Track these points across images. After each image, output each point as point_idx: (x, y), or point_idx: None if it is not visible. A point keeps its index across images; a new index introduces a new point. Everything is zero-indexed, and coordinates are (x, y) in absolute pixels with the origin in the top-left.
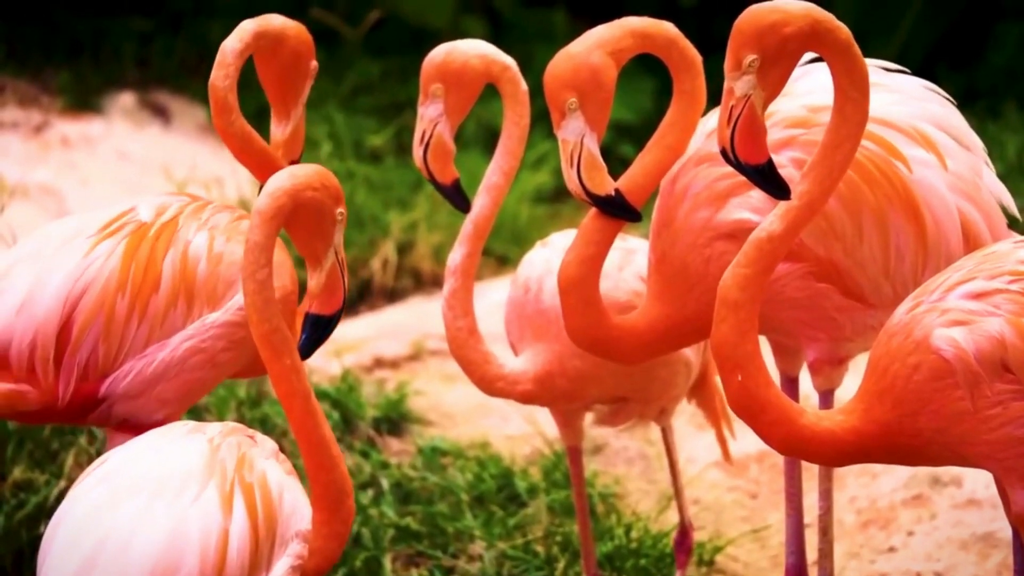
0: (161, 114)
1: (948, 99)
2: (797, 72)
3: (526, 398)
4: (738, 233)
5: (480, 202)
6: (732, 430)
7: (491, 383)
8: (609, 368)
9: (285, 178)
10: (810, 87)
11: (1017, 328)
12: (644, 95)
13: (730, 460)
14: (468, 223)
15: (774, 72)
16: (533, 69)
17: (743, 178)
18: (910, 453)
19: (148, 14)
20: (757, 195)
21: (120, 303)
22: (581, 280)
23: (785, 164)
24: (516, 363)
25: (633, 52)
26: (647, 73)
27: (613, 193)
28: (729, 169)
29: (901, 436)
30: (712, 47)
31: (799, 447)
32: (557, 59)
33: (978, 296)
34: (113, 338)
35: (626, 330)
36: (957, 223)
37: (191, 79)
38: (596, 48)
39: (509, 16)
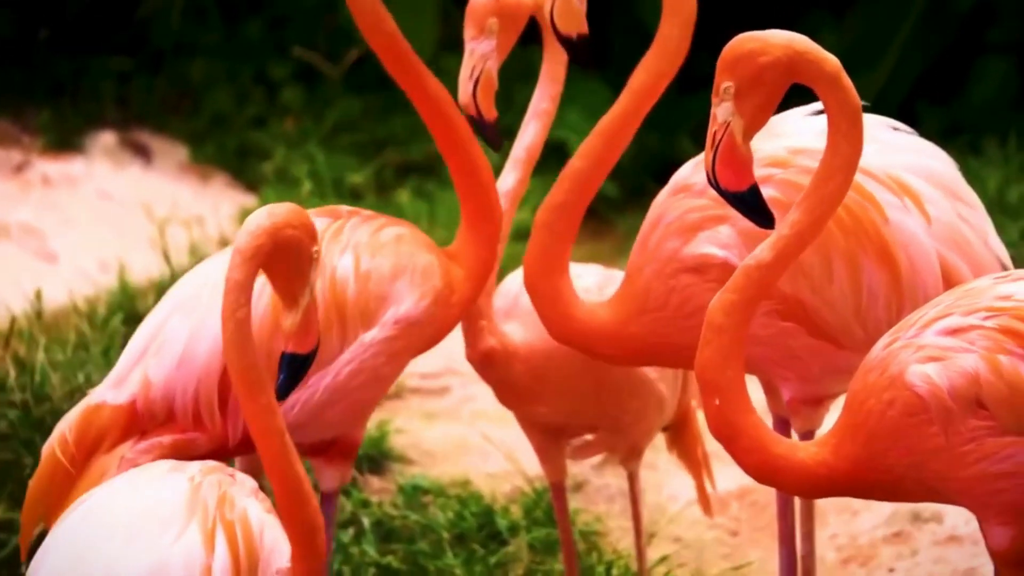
0: (142, 153)
1: (947, 158)
2: (792, 115)
3: (488, 354)
4: (704, 268)
5: (532, 128)
6: (712, 480)
7: (476, 319)
8: (576, 384)
9: (264, 217)
10: (798, 130)
11: (991, 364)
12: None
13: (710, 512)
14: (521, 149)
15: (752, 100)
16: (514, 108)
17: (715, 212)
18: (883, 489)
19: (129, 53)
20: (726, 231)
21: (276, 341)
22: (545, 224)
23: None
24: (512, 330)
25: None
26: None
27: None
28: (702, 202)
29: (873, 471)
30: (694, 84)
31: (772, 476)
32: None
33: (953, 332)
34: (275, 376)
35: (566, 305)
36: (935, 268)
37: (172, 118)
38: None
39: None
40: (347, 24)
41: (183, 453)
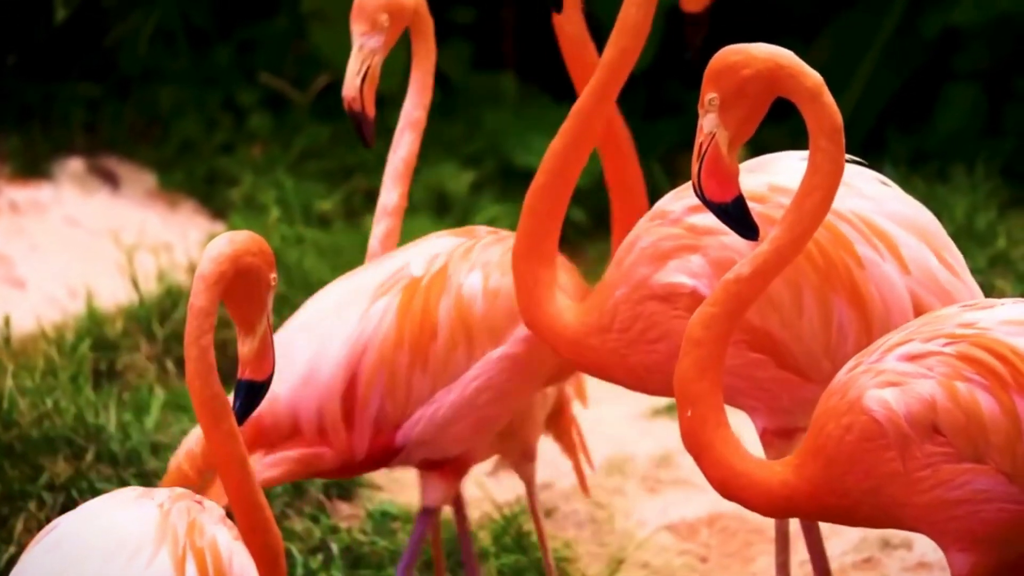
0: (110, 179)
1: (921, 206)
2: (788, 156)
3: None
4: (672, 296)
5: (406, 139)
6: (590, 461)
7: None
8: None
9: (225, 244)
10: (787, 169)
11: (948, 390)
12: (595, 160)
13: (586, 491)
14: (399, 161)
15: (735, 113)
16: (482, 132)
17: (687, 241)
18: (840, 512)
19: (97, 80)
20: (697, 260)
21: (400, 357)
22: (531, 208)
23: None
24: None
25: None
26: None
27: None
28: (676, 230)
29: (832, 495)
30: (662, 110)
31: (734, 492)
32: None
33: (913, 358)
34: (399, 392)
35: (541, 296)
36: (907, 306)
37: (140, 144)
38: None
39: (458, 80)
40: (315, 51)
41: (310, 467)
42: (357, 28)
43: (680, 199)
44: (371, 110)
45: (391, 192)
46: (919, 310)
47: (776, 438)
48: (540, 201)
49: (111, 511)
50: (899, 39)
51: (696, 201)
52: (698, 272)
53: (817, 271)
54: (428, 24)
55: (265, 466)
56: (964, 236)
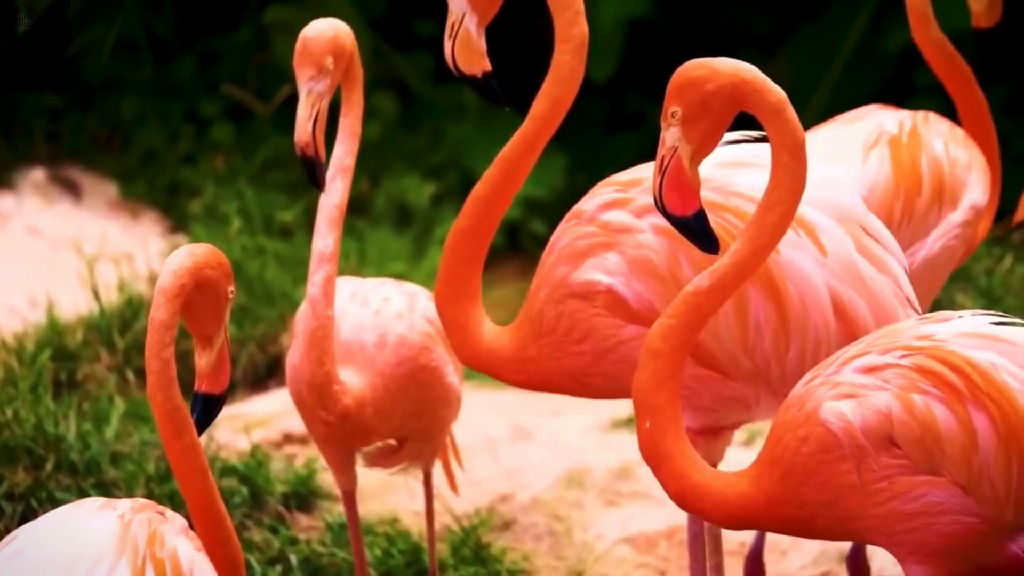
0: (72, 189)
1: (854, 188)
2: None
3: (345, 414)
4: (590, 294)
5: (338, 185)
6: (460, 462)
7: (328, 387)
8: (405, 405)
9: (186, 257)
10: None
11: (904, 403)
12: (555, 172)
13: (456, 489)
14: (332, 208)
15: (698, 127)
16: (445, 144)
17: (602, 239)
18: (798, 524)
19: (59, 90)
20: (613, 258)
21: (896, 205)
22: (452, 251)
23: None
24: (352, 381)
25: None
26: (559, 150)
27: (479, 75)
28: (591, 229)
29: (787, 507)
30: (622, 123)
31: (692, 503)
32: None
33: (869, 370)
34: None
35: (474, 331)
36: (825, 303)
37: (102, 154)
38: None
39: (420, 92)
40: (278, 62)
41: None
42: (304, 73)
43: (593, 198)
44: (323, 154)
45: (327, 238)
46: (837, 305)
47: (700, 437)
48: (462, 244)
49: (72, 521)
50: (861, 54)
51: (609, 197)
52: (614, 270)
53: None
54: (359, 70)
55: None
56: None
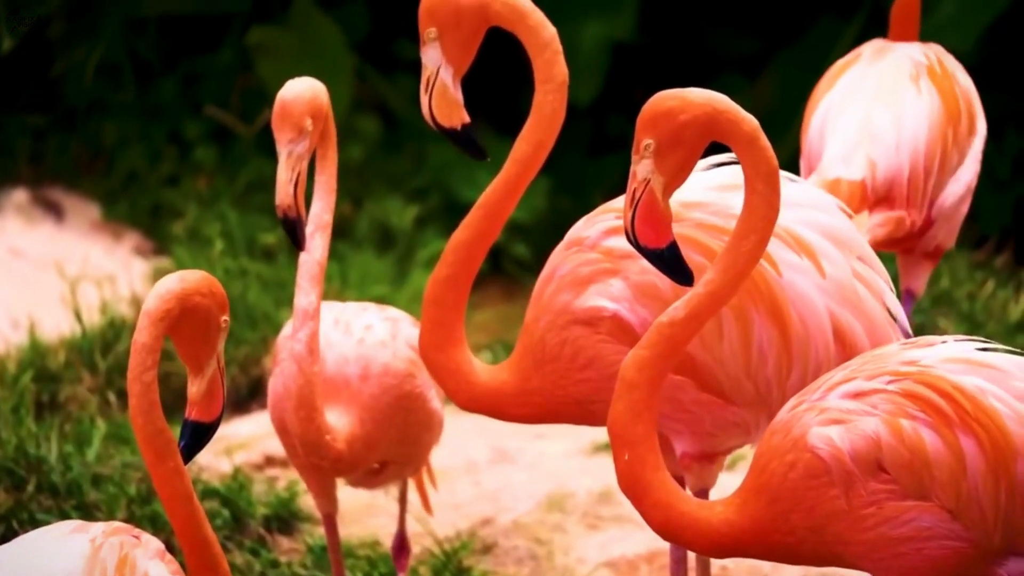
0: (54, 211)
1: (847, 212)
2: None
3: (338, 458)
4: (594, 320)
5: (318, 241)
6: (434, 481)
7: (320, 440)
8: (391, 433)
9: (175, 282)
10: (691, 184)
11: (893, 428)
12: (538, 195)
13: (430, 510)
14: (314, 264)
15: (672, 158)
16: (428, 167)
17: (606, 265)
18: (785, 551)
19: (42, 111)
20: (617, 284)
21: (948, 133)
22: (435, 300)
23: None
24: (340, 422)
25: (502, 21)
26: (542, 173)
27: (459, 127)
28: (593, 255)
29: (775, 533)
30: (605, 146)
31: (676, 533)
32: None
33: (856, 396)
34: (945, 166)
35: (467, 374)
36: (827, 328)
37: (85, 176)
38: None
39: (402, 114)
40: (260, 84)
41: (898, 230)
42: (284, 136)
43: (594, 225)
44: (304, 214)
45: (309, 295)
46: (837, 329)
47: (695, 462)
48: (445, 292)
49: (43, 544)
50: None
51: (611, 224)
52: (618, 296)
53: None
54: (333, 127)
55: (875, 224)
56: None
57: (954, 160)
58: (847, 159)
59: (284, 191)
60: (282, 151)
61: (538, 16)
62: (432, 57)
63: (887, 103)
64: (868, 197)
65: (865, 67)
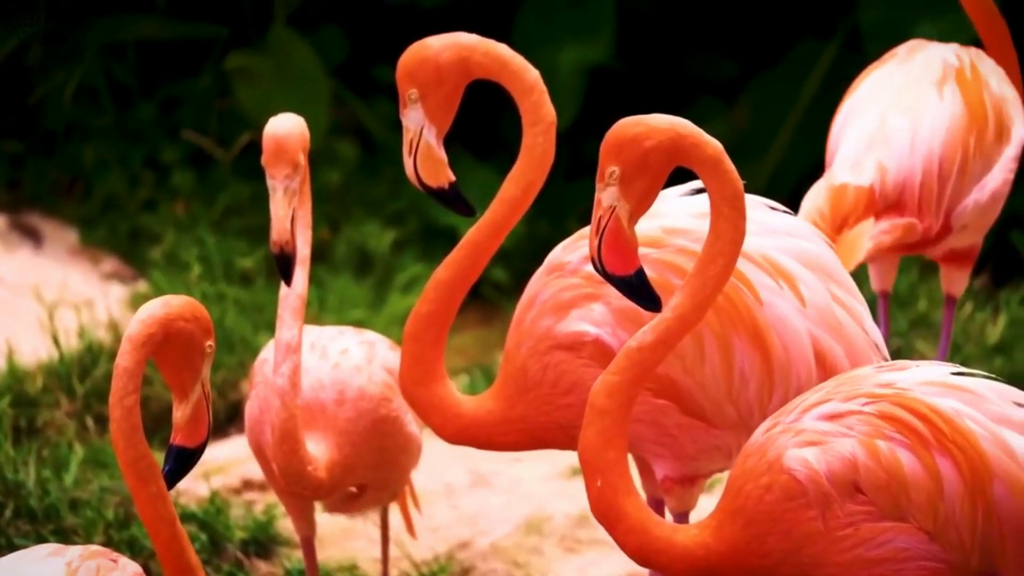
0: (33, 236)
1: (826, 241)
2: (668, 194)
3: (319, 486)
4: (576, 345)
5: (299, 276)
6: (419, 506)
7: (302, 471)
8: (368, 457)
9: (158, 307)
10: (673, 209)
11: (869, 449)
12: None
13: (413, 533)
14: (296, 298)
15: (637, 185)
16: (406, 191)
17: (587, 290)
18: (761, 573)
19: (20, 137)
20: (599, 309)
21: (970, 139)
22: (415, 336)
23: None
24: (318, 450)
25: (484, 72)
26: None
27: (447, 186)
28: (574, 280)
29: (751, 556)
30: (581, 170)
31: (652, 558)
32: (410, 49)
33: (832, 417)
34: (966, 172)
35: (450, 407)
36: (808, 352)
37: (63, 201)
38: (448, 48)
39: (381, 138)
40: (239, 109)
41: (906, 236)
42: (280, 171)
43: (575, 250)
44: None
45: (291, 329)
46: (818, 353)
47: (677, 485)
48: (425, 330)
49: (20, 568)
50: (822, 100)
51: None
52: (600, 320)
53: (718, 313)
54: (306, 166)
55: (880, 232)
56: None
57: (977, 168)
58: (857, 164)
59: (282, 226)
60: (278, 187)
61: (519, 61)
62: (414, 119)
63: (905, 107)
64: (876, 203)
65: (894, 68)
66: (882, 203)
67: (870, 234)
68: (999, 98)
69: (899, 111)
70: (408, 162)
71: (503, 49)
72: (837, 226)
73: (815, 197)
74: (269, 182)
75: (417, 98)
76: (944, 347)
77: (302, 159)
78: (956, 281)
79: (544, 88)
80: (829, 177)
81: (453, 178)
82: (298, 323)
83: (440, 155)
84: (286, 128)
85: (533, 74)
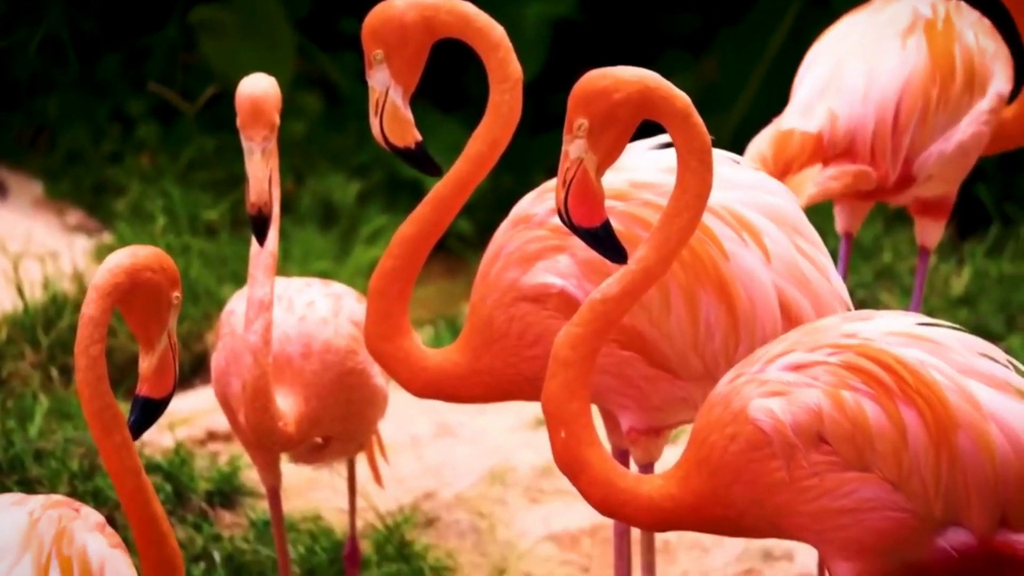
0: None
1: (789, 194)
2: (636, 147)
3: (288, 440)
4: (542, 297)
5: (272, 233)
6: (386, 457)
7: (273, 427)
8: (334, 409)
9: (125, 257)
10: (641, 163)
11: (834, 399)
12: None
13: (380, 482)
14: (268, 256)
15: (605, 137)
16: (370, 143)
17: (553, 242)
18: (726, 524)
19: None
20: (565, 260)
21: (932, 91)
22: (380, 292)
23: None
24: (286, 404)
25: (449, 30)
26: None
27: (413, 146)
28: (540, 232)
29: (716, 506)
30: (546, 123)
31: (616, 509)
32: (375, 9)
33: (797, 368)
34: (927, 122)
35: (416, 361)
36: (773, 304)
37: (28, 154)
38: (412, 8)
39: (346, 91)
40: (204, 62)
41: (858, 183)
42: (258, 133)
43: (541, 202)
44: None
45: (264, 286)
46: (783, 305)
47: (643, 436)
48: (390, 285)
49: None
50: (787, 53)
51: None
52: (566, 272)
53: (684, 267)
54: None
55: (828, 177)
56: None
57: (941, 119)
58: (808, 110)
59: (260, 187)
60: (255, 148)
61: (484, 19)
62: (380, 79)
63: (865, 56)
64: (823, 150)
65: (863, 17)
66: (831, 150)
67: (816, 180)
68: (973, 50)
69: (857, 59)
70: (374, 122)
71: (468, 7)
72: (780, 171)
73: (760, 142)
74: (246, 144)
75: (383, 58)
76: (917, 298)
77: (276, 119)
78: (929, 232)
79: (510, 45)
80: (778, 122)
81: (419, 138)
82: (270, 280)
83: (406, 115)
84: (261, 89)
85: (499, 31)
